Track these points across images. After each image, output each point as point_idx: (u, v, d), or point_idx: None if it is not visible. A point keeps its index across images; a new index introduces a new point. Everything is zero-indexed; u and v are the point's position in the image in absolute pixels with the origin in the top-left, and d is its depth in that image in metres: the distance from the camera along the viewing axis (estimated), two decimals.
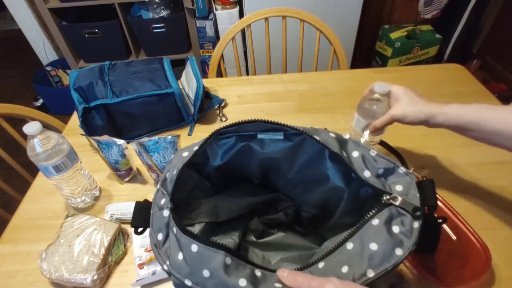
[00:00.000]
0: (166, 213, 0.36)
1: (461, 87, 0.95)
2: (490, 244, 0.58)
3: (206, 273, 0.32)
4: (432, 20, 2.01)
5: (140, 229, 0.38)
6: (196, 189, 0.46)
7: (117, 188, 0.73)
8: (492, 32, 1.99)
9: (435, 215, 0.37)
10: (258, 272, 0.34)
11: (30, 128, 0.56)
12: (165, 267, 0.34)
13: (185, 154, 0.40)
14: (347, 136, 0.43)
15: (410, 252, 0.33)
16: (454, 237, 0.56)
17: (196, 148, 0.41)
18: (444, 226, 0.57)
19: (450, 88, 0.95)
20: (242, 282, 0.31)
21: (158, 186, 0.40)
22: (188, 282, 0.32)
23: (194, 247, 0.33)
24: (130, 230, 0.64)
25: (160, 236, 0.36)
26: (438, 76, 1.00)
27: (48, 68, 2.12)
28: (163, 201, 0.38)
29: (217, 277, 0.31)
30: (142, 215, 0.38)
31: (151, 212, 0.38)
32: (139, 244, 0.59)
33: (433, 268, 0.52)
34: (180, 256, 0.33)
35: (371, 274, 0.32)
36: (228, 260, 0.32)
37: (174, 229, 0.34)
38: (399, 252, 0.32)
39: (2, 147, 0.92)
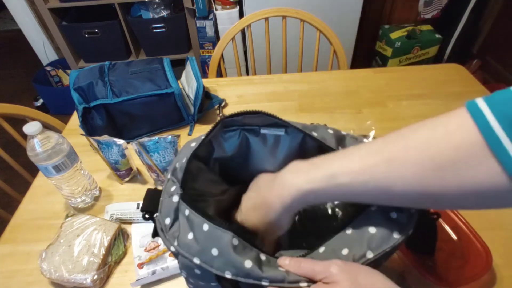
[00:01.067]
0: (175, 198, 0.37)
1: (461, 87, 0.95)
2: (490, 244, 0.58)
3: (215, 251, 0.33)
4: (432, 20, 2.01)
5: (147, 216, 0.39)
6: (205, 180, 0.46)
7: (117, 188, 0.73)
8: (492, 32, 1.99)
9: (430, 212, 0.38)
10: (262, 256, 0.35)
11: (30, 128, 0.56)
12: (172, 248, 0.35)
13: (193, 144, 0.41)
14: (351, 131, 0.43)
15: (408, 236, 0.34)
16: (454, 237, 0.56)
17: (203, 137, 0.42)
18: (445, 226, 0.57)
19: (450, 88, 0.95)
20: (248, 263, 0.32)
21: (169, 175, 0.40)
22: (196, 260, 0.33)
23: (205, 227, 0.34)
24: (130, 230, 0.64)
25: (167, 221, 0.37)
26: (438, 76, 1.00)
27: (48, 68, 2.12)
28: (173, 188, 0.38)
29: (225, 255, 0.33)
30: (152, 201, 0.39)
31: (161, 199, 0.39)
32: (139, 244, 0.59)
33: (433, 268, 0.52)
34: (190, 235, 0.34)
35: (370, 255, 0.33)
36: (235, 241, 0.33)
37: (187, 211, 0.35)
38: (396, 235, 0.34)
39: (2, 147, 0.92)
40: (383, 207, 0.36)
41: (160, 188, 0.41)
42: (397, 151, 0.30)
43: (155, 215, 0.39)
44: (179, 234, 0.35)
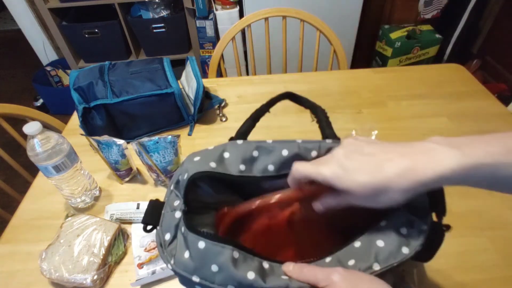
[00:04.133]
0: (178, 214, 0.37)
1: (461, 87, 0.95)
2: (490, 244, 0.58)
3: (214, 267, 0.32)
4: (432, 20, 2.01)
5: (149, 227, 0.39)
6: (207, 190, 0.45)
7: (117, 188, 0.73)
8: (492, 32, 1.99)
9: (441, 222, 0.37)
10: (265, 264, 0.34)
11: (30, 128, 0.56)
12: (170, 266, 0.35)
13: (197, 159, 0.39)
14: (353, 132, 0.43)
15: (417, 252, 0.34)
16: None
17: (209, 148, 0.40)
18: None
19: (450, 88, 0.95)
20: (251, 275, 0.32)
21: (172, 187, 0.40)
22: (195, 279, 0.33)
23: (201, 244, 0.33)
24: (130, 230, 0.64)
25: (167, 236, 0.36)
26: (438, 76, 1.00)
27: (48, 68, 2.12)
28: (176, 203, 0.38)
29: (226, 271, 0.32)
30: (154, 214, 0.39)
31: (163, 212, 0.38)
32: (138, 244, 0.59)
33: None
34: (186, 254, 0.34)
35: (377, 267, 0.33)
36: (236, 254, 0.33)
37: (183, 229, 0.35)
38: (405, 250, 0.33)
39: (2, 147, 0.92)
40: (394, 223, 0.35)
41: (160, 188, 0.41)
42: None
43: (157, 228, 0.38)
44: (176, 253, 0.35)
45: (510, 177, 0.29)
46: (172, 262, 0.34)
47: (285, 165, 0.39)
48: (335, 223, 0.42)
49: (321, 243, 0.42)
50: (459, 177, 0.29)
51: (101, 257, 0.56)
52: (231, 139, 0.44)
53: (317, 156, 0.38)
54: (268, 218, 0.41)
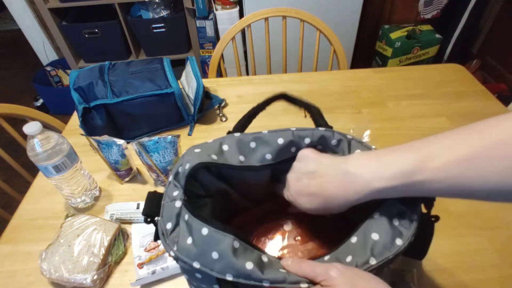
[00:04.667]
0: (178, 204, 0.37)
1: (461, 87, 0.95)
2: (490, 244, 0.58)
3: (215, 255, 0.33)
4: (432, 20, 2.01)
5: (149, 219, 0.39)
6: (203, 181, 0.46)
7: (117, 188, 0.73)
8: (492, 32, 1.99)
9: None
10: (264, 258, 0.35)
11: (30, 128, 0.56)
12: (172, 253, 0.35)
13: (197, 150, 0.41)
14: (351, 131, 0.44)
15: (410, 243, 0.34)
16: None
17: (209, 141, 0.42)
18: None
19: (450, 88, 0.95)
20: (249, 265, 0.33)
21: (170, 179, 0.40)
22: (196, 265, 0.33)
23: (205, 231, 0.34)
24: (130, 230, 0.64)
25: (169, 225, 0.37)
26: (438, 76, 1.00)
27: (48, 68, 2.12)
28: (175, 193, 0.39)
29: (225, 259, 0.33)
30: (153, 205, 0.40)
31: (162, 202, 0.39)
32: (138, 244, 0.60)
33: None
34: (189, 240, 0.34)
35: (373, 262, 0.33)
36: (236, 244, 0.34)
37: (186, 216, 0.36)
38: (399, 242, 0.34)
39: (2, 147, 0.92)
40: (387, 214, 0.35)
41: (160, 188, 0.41)
42: (477, 149, 0.28)
43: (156, 219, 0.39)
44: (179, 240, 0.35)
45: (439, 189, 0.31)
46: (175, 248, 0.35)
47: (281, 153, 0.42)
48: (331, 222, 0.43)
49: (318, 247, 0.44)
50: (373, 196, 0.34)
51: (101, 257, 0.56)
52: (229, 132, 0.45)
53: (310, 143, 0.42)
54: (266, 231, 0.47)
